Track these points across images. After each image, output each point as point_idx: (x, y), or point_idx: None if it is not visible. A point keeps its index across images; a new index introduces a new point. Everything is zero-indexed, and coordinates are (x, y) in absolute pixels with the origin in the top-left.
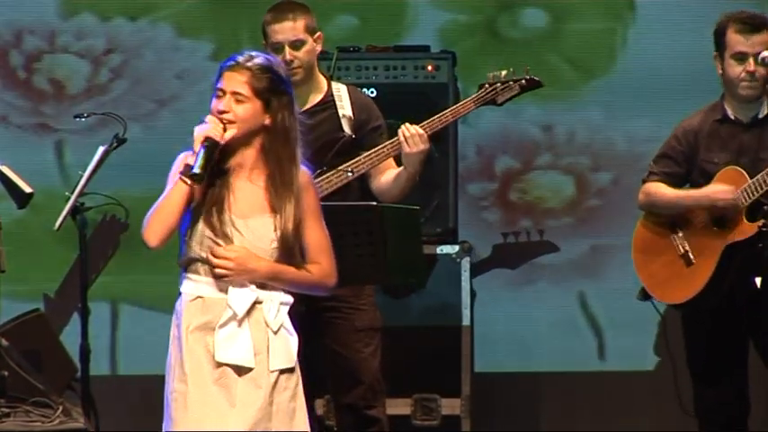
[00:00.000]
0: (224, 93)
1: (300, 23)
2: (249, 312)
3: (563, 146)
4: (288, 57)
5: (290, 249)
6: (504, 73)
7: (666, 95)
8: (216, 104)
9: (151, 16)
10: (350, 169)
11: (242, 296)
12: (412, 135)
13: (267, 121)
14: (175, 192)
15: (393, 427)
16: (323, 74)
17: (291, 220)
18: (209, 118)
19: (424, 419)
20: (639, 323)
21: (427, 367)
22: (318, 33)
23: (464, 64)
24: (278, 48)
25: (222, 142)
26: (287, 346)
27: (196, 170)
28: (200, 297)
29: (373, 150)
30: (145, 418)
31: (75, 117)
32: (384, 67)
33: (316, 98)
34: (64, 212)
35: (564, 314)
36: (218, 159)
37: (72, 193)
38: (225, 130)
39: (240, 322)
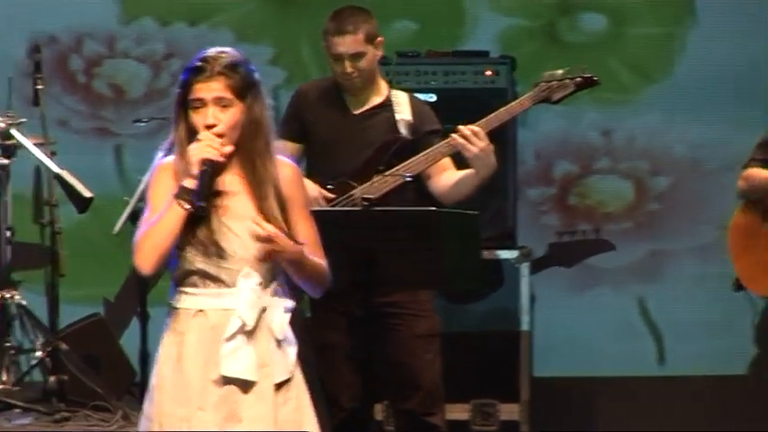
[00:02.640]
0: (203, 103)
1: (361, 35)
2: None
3: (622, 150)
4: (348, 69)
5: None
6: (560, 72)
7: (724, 101)
8: (200, 120)
9: (211, 21)
10: (408, 175)
11: (251, 305)
12: (469, 135)
13: (245, 120)
14: (171, 216)
15: None
16: (383, 78)
17: (275, 211)
18: (203, 135)
19: (483, 425)
20: (699, 328)
21: (486, 373)
22: (379, 39)
23: (523, 69)
24: (338, 58)
25: (222, 160)
26: (287, 357)
27: (201, 203)
28: (202, 311)
29: (430, 150)
30: None
31: (135, 122)
32: (443, 72)
33: (374, 101)
34: (123, 217)
35: (623, 319)
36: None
37: (131, 197)
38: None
39: (248, 334)
